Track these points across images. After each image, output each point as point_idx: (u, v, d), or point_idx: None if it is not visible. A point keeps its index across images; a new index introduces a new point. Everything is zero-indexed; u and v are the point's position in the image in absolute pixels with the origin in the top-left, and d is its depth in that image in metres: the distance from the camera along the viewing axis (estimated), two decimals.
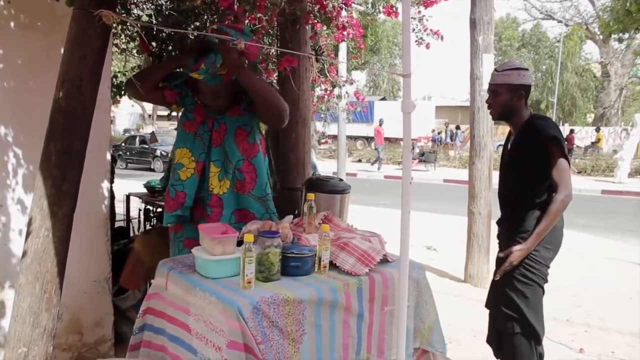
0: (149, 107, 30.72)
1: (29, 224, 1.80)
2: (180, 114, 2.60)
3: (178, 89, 2.48)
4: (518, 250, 2.39)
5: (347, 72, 7.90)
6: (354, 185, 3.24)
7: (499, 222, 2.68)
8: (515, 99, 2.47)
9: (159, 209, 3.98)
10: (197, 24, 3.81)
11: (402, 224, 1.87)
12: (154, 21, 3.73)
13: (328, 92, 6.44)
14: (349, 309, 1.94)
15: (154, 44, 3.53)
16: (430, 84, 68.07)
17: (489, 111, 2.65)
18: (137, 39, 4.04)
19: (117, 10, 2.29)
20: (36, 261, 1.77)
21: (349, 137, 20.62)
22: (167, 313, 1.99)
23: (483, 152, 4.96)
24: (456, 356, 3.31)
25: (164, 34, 3.51)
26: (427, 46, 5.89)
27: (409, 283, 2.02)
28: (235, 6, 2.86)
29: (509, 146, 2.62)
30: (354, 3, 5.68)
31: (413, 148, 17.37)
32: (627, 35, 20.14)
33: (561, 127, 27.07)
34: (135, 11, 3.96)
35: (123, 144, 20.47)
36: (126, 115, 38.07)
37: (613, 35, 17.54)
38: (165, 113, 4.56)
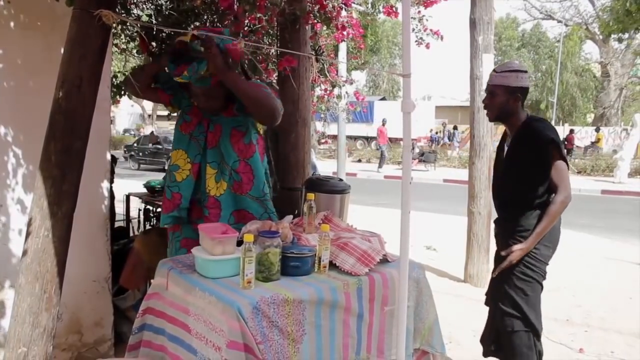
0: (148, 107, 30.75)
1: (29, 223, 1.80)
2: (178, 114, 2.60)
3: (171, 90, 2.48)
4: (518, 250, 2.41)
5: (347, 72, 7.90)
6: (354, 185, 3.24)
7: (496, 222, 2.69)
8: (512, 101, 2.47)
9: (159, 209, 3.98)
10: (197, 23, 3.81)
11: (402, 224, 1.87)
12: (154, 21, 3.73)
13: (328, 92, 6.44)
14: (349, 309, 1.94)
15: (153, 44, 3.53)
16: (430, 84, 68.08)
17: (485, 110, 2.65)
18: (137, 39, 4.04)
19: (117, 10, 2.29)
20: (36, 261, 1.77)
21: (349, 137, 20.59)
22: (167, 313, 1.99)
23: (483, 152, 4.96)
24: (456, 356, 3.31)
25: (163, 34, 3.51)
26: (427, 46, 5.89)
27: (409, 283, 2.02)
28: (235, 6, 2.86)
29: (505, 147, 2.62)
30: (354, 3, 5.69)
31: (413, 148, 17.41)
32: (627, 35, 20.11)
33: (561, 127, 27.19)
34: (135, 11, 3.97)
35: (135, 144, 19.75)
36: (126, 115, 38.09)
37: (613, 35, 17.52)
38: (165, 113, 4.56)
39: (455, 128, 26.03)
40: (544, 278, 2.50)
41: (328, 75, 5.81)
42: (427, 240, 6.69)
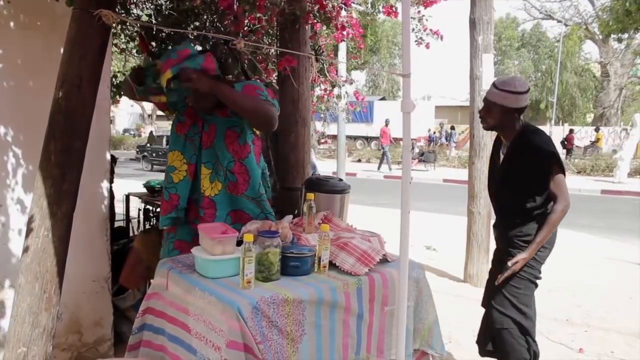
0: (148, 107, 30.73)
1: (29, 223, 1.80)
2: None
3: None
4: (522, 260, 2.44)
5: (347, 72, 7.90)
6: (354, 185, 3.24)
7: (496, 226, 2.70)
8: (508, 119, 2.47)
9: (159, 209, 3.98)
10: (197, 23, 3.82)
11: (402, 224, 1.87)
12: (154, 21, 3.73)
13: (328, 92, 6.44)
14: (349, 309, 1.94)
15: (153, 43, 3.53)
16: (430, 83, 68.03)
17: (479, 119, 2.64)
18: (137, 38, 4.04)
19: (117, 10, 2.29)
20: (36, 261, 1.77)
21: (349, 137, 20.57)
22: (167, 313, 1.99)
23: (483, 151, 4.96)
24: (456, 356, 3.32)
25: (163, 34, 3.51)
26: (427, 46, 5.89)
27: (409, 283, 2.02)
28: (235, 6, 2.86)
29: (501, 153, 2.62)
30: (354, 3, 5.69)
31: (413, 148, 17.40)
32: (626, 35, 20.12)
33: (560, 127, 27.18)
34: (134, 11, 3.97)
35: (148, 145, 19.34)
36: (126, 115, 38.09)
37: (612, 35, 17.53)
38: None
39: (452, 128, 26.04)
40: (539, 277, 2.53)
41: (328, 75, 5.81)
42: (427, 240, 6.69)
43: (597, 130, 24.30)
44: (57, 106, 1.79)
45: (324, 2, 3.37)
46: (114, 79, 4.41)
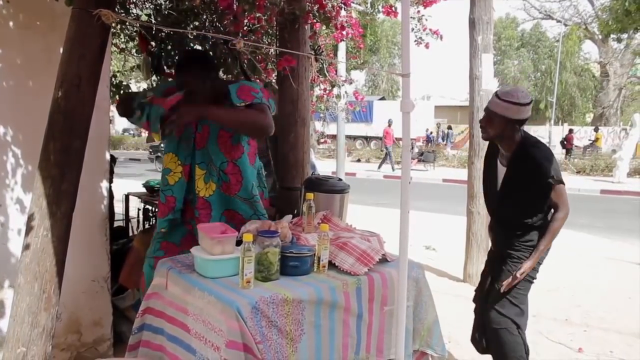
0: None
1: (28, 223, 1.80)
2: None
3: (147, 118, 2.45)
4: (528, 268, 2.46)
5: (346, 72, 7.90)
6: (353, 184, 3.24)
7: (492, 229, 2.72)
8: (509, 130, 2.45)
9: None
10: (196, 23, 3.81)
11: (401, 224, 1.87)
12: (153, 21, 3.73)
13: (327, 91, 6.42)
14: (348, 309, 1.94)
15: (153, 43, 3.53)
16: (430, 83, 68.02)
17: (480, 129, 2.61)
18: (136, 38, 4.04)
19: (116, 9, 2.29)
20: (35, 261, 1.77)
21: (348, 137, 20.55)
22: (167, 313, 1.99)
23: (482, 151, 4.92)
24: (455, 356, 3.32)
25: (163, 34, 3.51)
26: (427, 46, 5.88)
27: (408, 283, 2.02)
28: (235, 5, 2.85)
29: (498, 162, 2.61)
30: (353, 3, 5.68)
31: (412, 148, 17.39)
32: (626, 35, 20.15)
33: (560, 127, 27.19)
34: (134, 11, 3.96)
35: (162, 145, 19.45)
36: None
37: (612, 35, 17.56)
38: None
39: (449, 128, 26.01)
40: (535, 277, 2.57)
41: (327, 74, 5.80)
42: (427, 240, 6.68)
43: (596, 130, 24.31)
44: (56, 106, 1.79)
45: (324, 2, 3.37)
46: (113, 79, 4.40)
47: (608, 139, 25.14)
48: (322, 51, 5.81)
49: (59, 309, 1.89)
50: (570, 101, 32.40)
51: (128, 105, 2.42)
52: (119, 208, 4.48)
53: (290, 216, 2.43)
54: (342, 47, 7.86)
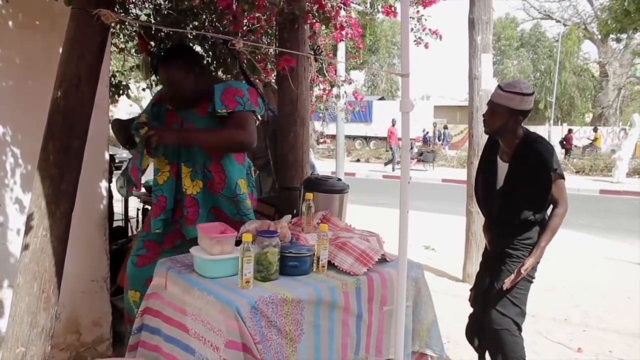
0: None
1: (27, 223, 1.80)
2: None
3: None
4: (530, 264, 2.45)
5: (346, 72, 7.90)
6: (353, 184, 3.24)
7: (489, 230, 2.72)
8: (513, 122, 2.45)
9: None
10: (196, 23, 3.81)
11: (401, 224, 1.87)
12: (153, 20, 3.73)
13: (327, 91, 6.42)
14: (348, 309, 1.94)
15: (152, 43, 3.53)
16: (429, 83, 68.15)
17: (483, 123, 2.60)
18: (136, 38, 4.04)
19: (116, 9, 2.29)
20: (34, 260, 1.77)
21: (348, 137, 20.51)
22: (164, 313, 1.99)
23: (481, 151, 4.95)
24: (455, 356, 3.32)
25: (162, 34, 3.51)
26: (426, 46, 5.88)
27: (408, 283, 2.02)
28: (234, 5, 2.85)
29: (498, 158, 2.60)
30: (353, 3, 5.68)
31: (412, 148, 17.35)
32: (625, 35, 20.15)
33: (559, 127, 27.18)
34: (133, 10, 3.96)
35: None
36: (124, 115, 37.94)
37: (611, 35, 17.56)
38: None
39: (445, 128, 25.98)
40: (534, 277, 2.57)
41: (327, 74, 5.79)
42: (426, 240, 6.68)
43: (595, 130, 24.31)
44: (55, 106, 1.79)
45: (323, 2, 3.37)
46: (112, 79, 4.40)
47: (607, 139, 25.15)
48: (322, 51, 5.81)
49: (58, 309, 1.89)
50: (570, 101, 32.42)
51: (124, 133, 2.47)
52: (118, 208, 4.48)
53: (290, 216, 2.43)
54: (341, 47, 7.86)
